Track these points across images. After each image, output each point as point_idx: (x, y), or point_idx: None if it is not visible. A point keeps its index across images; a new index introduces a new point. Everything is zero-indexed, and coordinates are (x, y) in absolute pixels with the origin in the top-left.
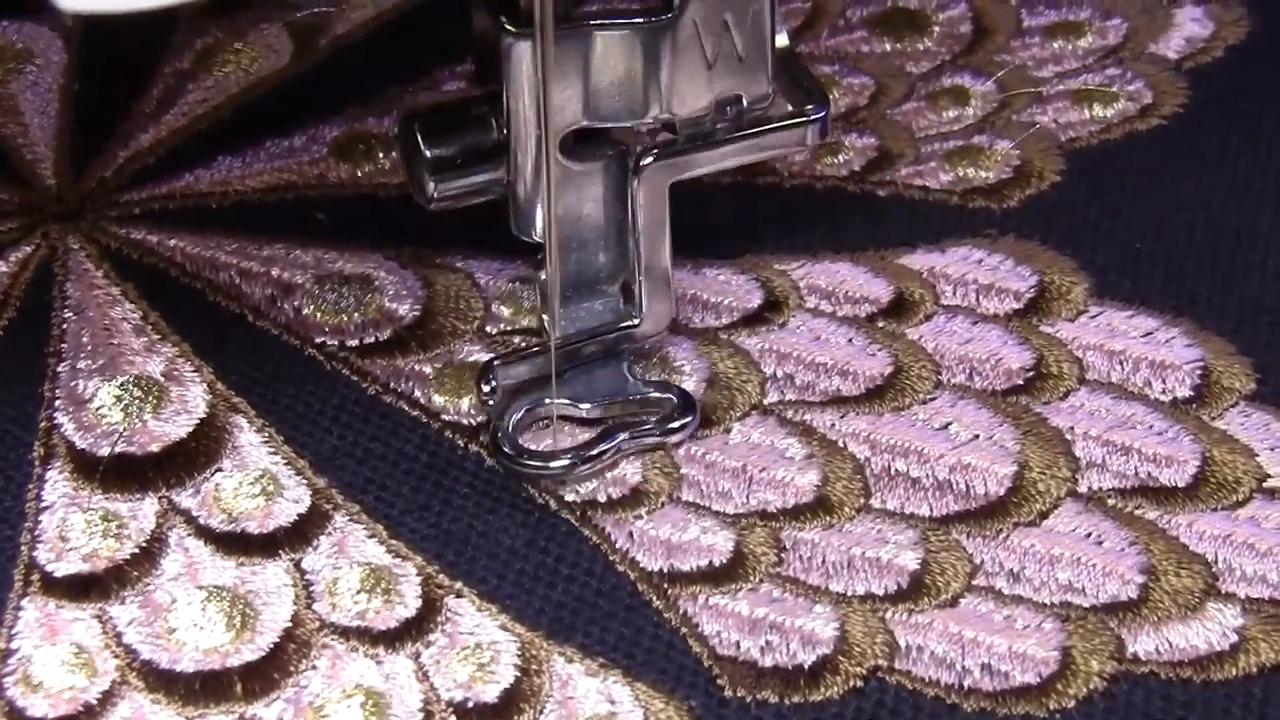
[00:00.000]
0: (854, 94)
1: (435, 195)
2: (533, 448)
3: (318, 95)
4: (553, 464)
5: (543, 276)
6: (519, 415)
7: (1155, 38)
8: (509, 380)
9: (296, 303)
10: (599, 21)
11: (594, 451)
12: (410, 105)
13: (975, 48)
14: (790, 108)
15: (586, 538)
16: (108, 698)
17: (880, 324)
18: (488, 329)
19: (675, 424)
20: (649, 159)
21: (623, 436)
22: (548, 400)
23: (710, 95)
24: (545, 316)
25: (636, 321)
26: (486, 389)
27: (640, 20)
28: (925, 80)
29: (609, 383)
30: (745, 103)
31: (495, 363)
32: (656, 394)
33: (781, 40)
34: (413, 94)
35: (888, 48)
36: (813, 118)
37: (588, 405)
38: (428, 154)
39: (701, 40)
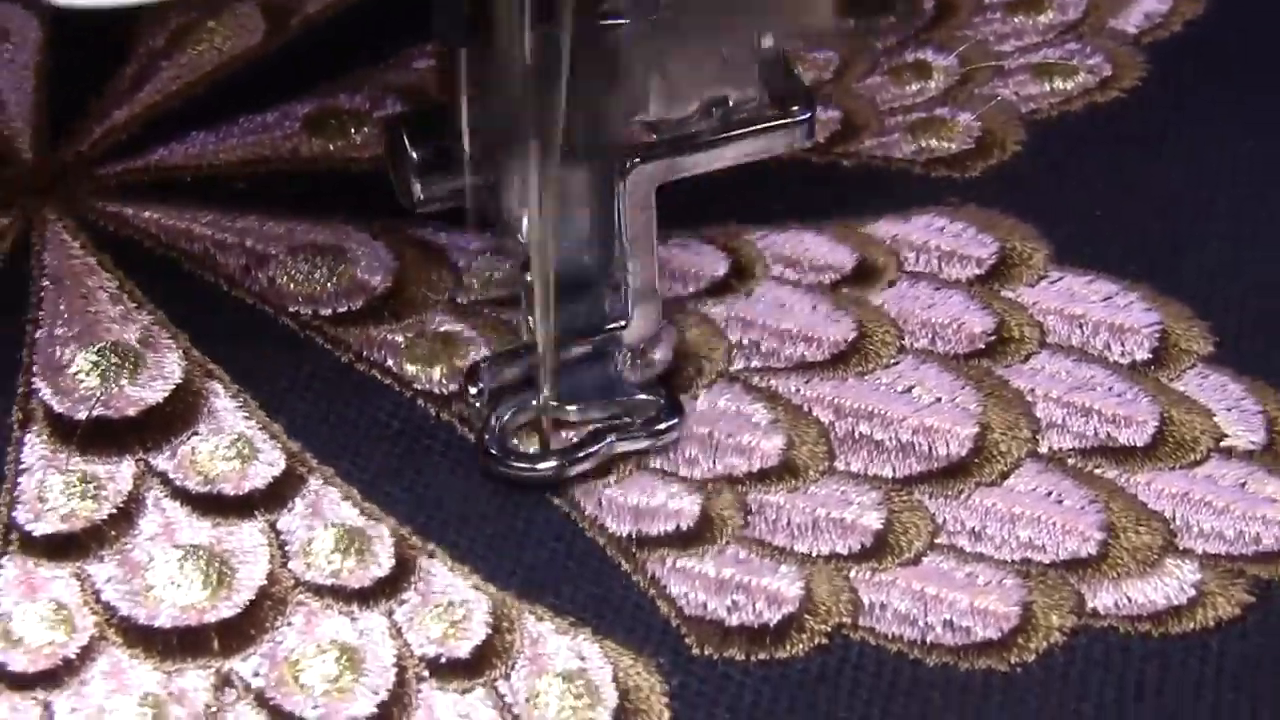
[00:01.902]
0: (818, 68)
1: (421, 197)
2: (521, 449)
3: (290, 72)
4: (540, 466)
5: (528, 278)
6: (506, 417)
7: (1115, 13)
8: (495, 382)
9: (270, 273)
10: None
11: (582, 453)
12: (381, 82)
13: (938, 23)
14: (776, 109)
15: (556, 505)
16: (86, 652)
17: (844, 291)
18: (458, 299)
19: (662, 425)
20: (636, 161)
21: (610, 438)
22: (535, 403)
23: (697, 97)
24: (532, 320)
25: (623, 324)
26: (474, 390)
27: (626, 22)
28: (889, 55)
29: (597, 384)
30: (731, 104)
31: (482, 364)
32: (644, 395)
33: (768, 42)
34: (383, 71)
35: (851, 24)
36: (799, 119)
37: (575, 407)
38: (414, 156)
39: None
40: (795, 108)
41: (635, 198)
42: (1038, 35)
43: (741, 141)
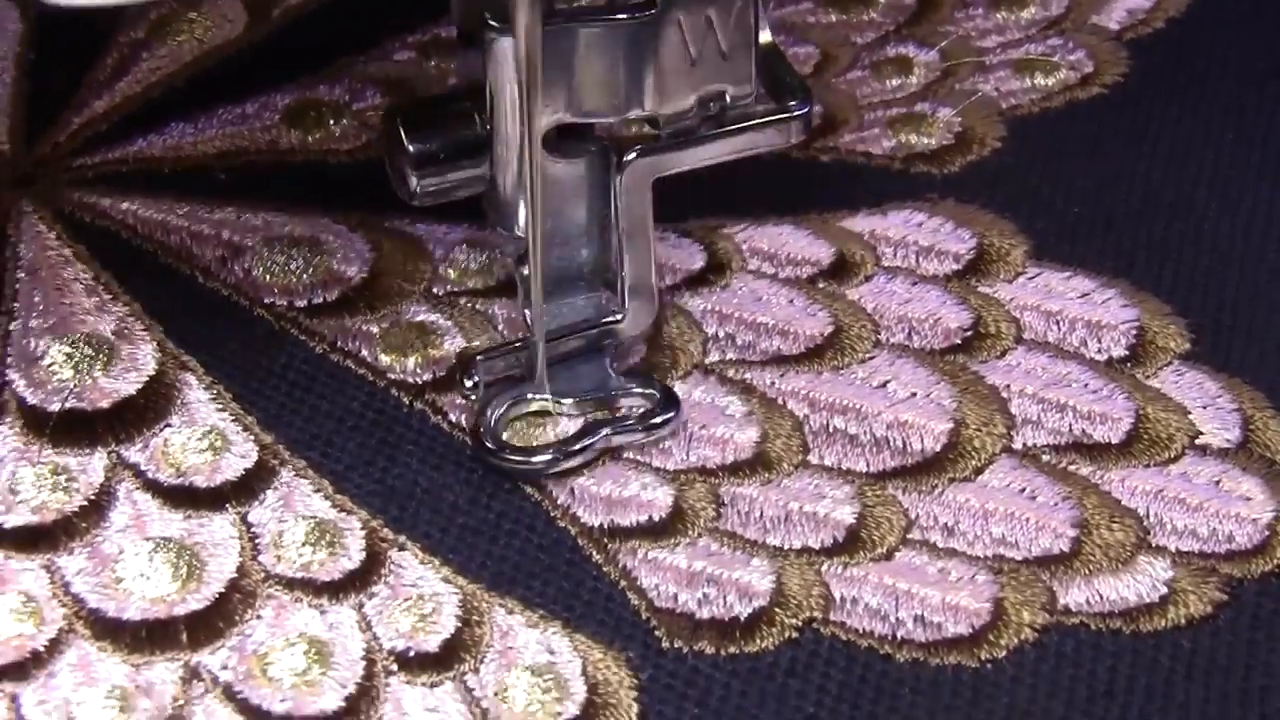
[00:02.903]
0: (799, 63)
1: (418, 190)
2: (515, 443)
3: (270, 63)
4: (535, 459)
5: (525, 272)
6: (501, 410)
7: (1098, 9)
8: (490, 375)
9: (246, 264)
10: (583, 18)
11: (576, 447)
12: (361, 73)
13: (920, 19)
14: (773, 104)
15: (529, 495)
16: (55, 645)
17: (821, 285)
18: (434, 290)
19: (658, 419)
20: (632, 155)
21: (605, 432)
22: (530, 396)
23: (693, 92)
24: (528, 312)
25: (619, 318)
26: (469, 383)
27: (624, 17)
28: (869, 50)
29: (592, 378)
30: (728, 99)
31: (478, 357)
32: (639, 389)
33: (765, 37)
34: (364, 63)
35: (833, 19)
36: (795, 114)
37: (570, 401)
38: (410, 149)
39: (685, 37)
40: (792, 102)
41: (631, 191)
42: (1020, 31)
43: (739, 135)
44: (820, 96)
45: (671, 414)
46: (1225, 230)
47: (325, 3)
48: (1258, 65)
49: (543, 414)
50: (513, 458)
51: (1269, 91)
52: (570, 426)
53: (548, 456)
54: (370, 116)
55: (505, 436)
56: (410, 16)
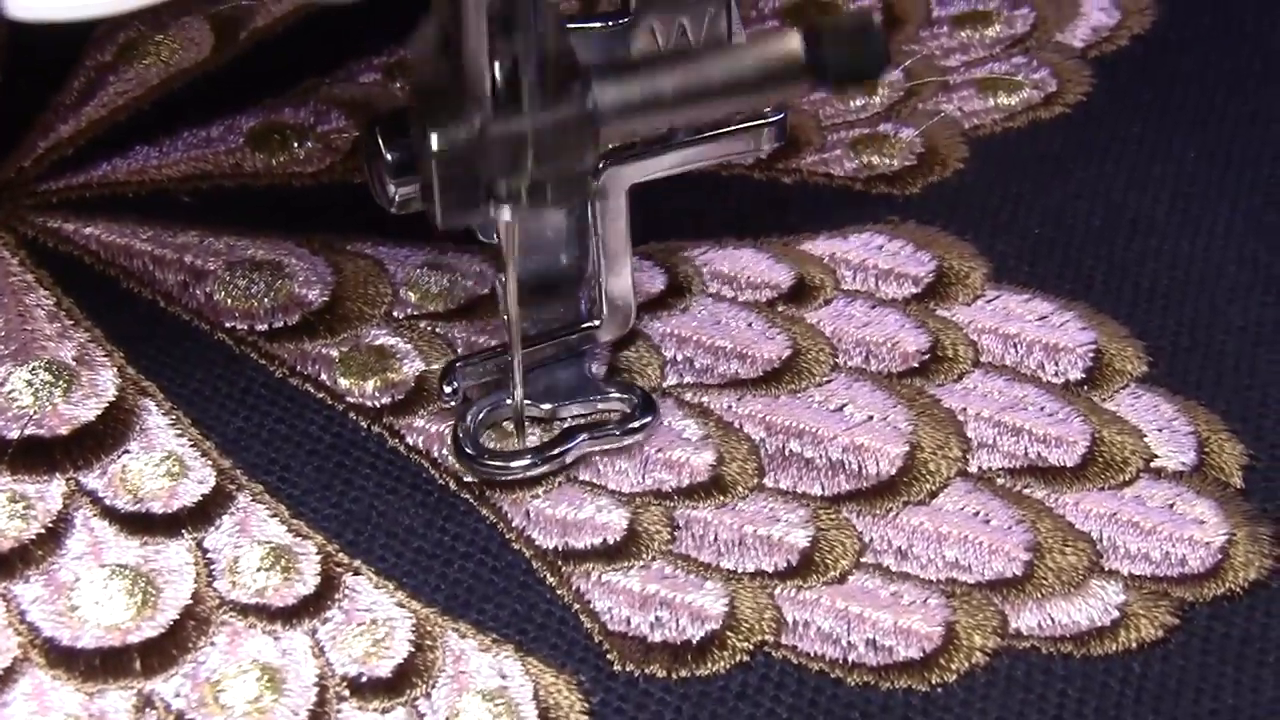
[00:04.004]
0: None
1: (396, 197)
2: (494, 448)
3: (237, 86)
4: (514, 464)
5: (502, 279)
6: (480, 416)
7: (1062, 27)
8: (469, 381)
9: (208, 289)
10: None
11: (555, 452)
12: (326, 95)
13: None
14: None
15: (484, 517)
16: (9, 674)
17: (780, 308)
18: (394, 313)
19: (636, 424)
20: (609, 162)
21: (583, 437)
22: (509, 401)
23: None
24: (506, 318)
25: (597, 323)
26: (448, 389)
27: (598, 24)
28: None
29: (570, 383)
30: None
31: (456, 364)
32: (617, 394)
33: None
34: (329, 85)
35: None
36: (769, 121)
37: (549, 405)
38: (389, 157)
39: (659, 43)
40: (767, 109)
41: (609, 199)
42: (984, 50)
43: (713, 141)
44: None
45: (649, 418)
46: (1185, 249)
47: (291, 26)
48: (1221, 83)
49: (521, 419)
50: (491, 463)
51: (1231, 110)
52: (548, 432)
53: (526, 461)
54: (335, 139)
55: (483, 442)
56: (376, 39)
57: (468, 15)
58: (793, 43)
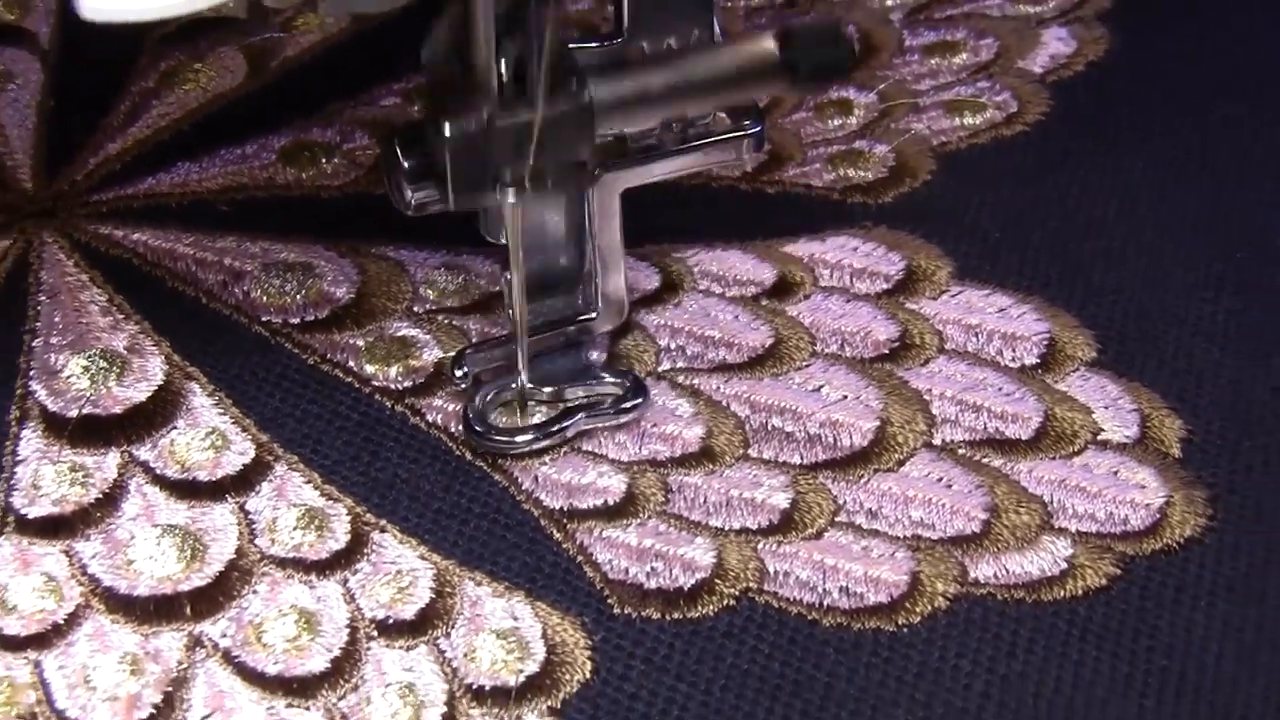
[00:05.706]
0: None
1: (413, 202)
2: (501, 425)
3: (268, 109)
4: (518, 439)
5: (508, 275)
6: (489, 397)
7: (1024, 54)
8: (479, 366)
9: (245, 287)
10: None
11: (555, 429)
12: (351, 117)
13: (861, 64)
14: (730, 123)
15: (496, 481)
16: (73, 618)
17: (764, 302)
18: (414, 308)
19: (627, 405)
20: (603, 170)
21: (580, 416)
22: (514, 385)
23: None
24: (511, 311)
25: (593, 315)
26: (459, 373)
27: (593, 44)
28: (814, 93)
29: (569, 368)
30: (690, 118)
31: (467, 351)
32: (611, 378)
33: None
34: (353, 108)
35: None
36: (749, 132)
37: (551, 389)
38: (406, 164)
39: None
40: (747, 121)
41: (603, 202)
42: (952, 75)
43: (699, 151)
44: (767, 135)
45: (640, 400)
46: (1132, 250)
47: (318, 55)
48: (1169, 104)
49: (524, 400)
50: (498, 438)
51: (1176, 125)
52: (550, 411)
53: (529, 437)
54: (359, 155)
55: (491, 420)
56: (396, 66)
57: (476, 18)
58: (767, 43)
